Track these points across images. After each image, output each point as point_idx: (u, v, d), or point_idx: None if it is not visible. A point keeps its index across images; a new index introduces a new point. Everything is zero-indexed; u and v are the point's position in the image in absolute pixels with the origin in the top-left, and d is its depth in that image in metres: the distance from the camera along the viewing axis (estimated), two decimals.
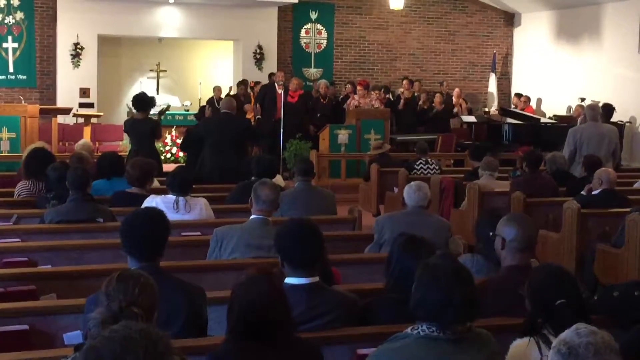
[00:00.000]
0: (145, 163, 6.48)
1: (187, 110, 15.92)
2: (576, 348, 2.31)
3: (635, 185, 8.61)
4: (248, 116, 13.64)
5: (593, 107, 9.41)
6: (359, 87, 14.54)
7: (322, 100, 14.92)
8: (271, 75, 14.99)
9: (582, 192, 7.41)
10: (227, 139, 8.54)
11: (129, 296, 2.72)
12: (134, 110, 9.35)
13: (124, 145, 13.14)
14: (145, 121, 9.02)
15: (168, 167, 9.90)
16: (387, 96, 15.46)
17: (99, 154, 8.78)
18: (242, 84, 15.07)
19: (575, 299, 3.06)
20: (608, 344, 2.33)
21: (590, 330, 2.36)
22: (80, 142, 8.65)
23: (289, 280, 3.49)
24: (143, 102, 9.09)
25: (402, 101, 15.33)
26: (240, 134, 8.74)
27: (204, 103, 15.19)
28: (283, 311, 2.91)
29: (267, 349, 2.83)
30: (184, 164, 11.61)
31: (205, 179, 7.91)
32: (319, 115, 14.50)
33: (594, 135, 8.84)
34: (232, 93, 14.91)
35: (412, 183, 5.68)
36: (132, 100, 9.27)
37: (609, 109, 11.04)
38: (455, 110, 15.75)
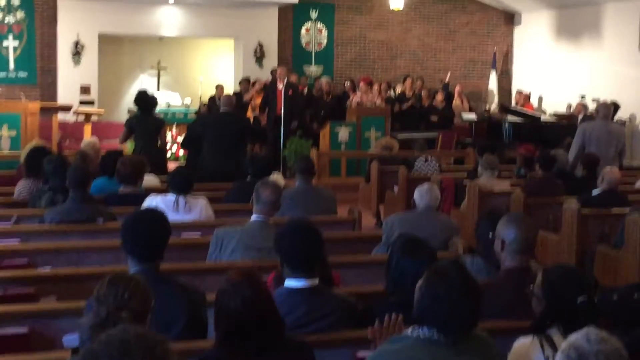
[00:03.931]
0: (135, 160, 6.47)
1: (188, 108, 15.92)
2: (586, 356, 2.28)
3: (636, 185, 8.59)
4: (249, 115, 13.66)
5: (606, 105, 9.31)
6: (361, 84, 14.51)
7: (325, 97, 14.90)
8: (273, 71, 14.98)
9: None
10: (226, 138, 8.50)
11: (117, 301, 2.71)
12: (138, 111, 9.25)
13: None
14: (151, 119, 8.99)
15: (170, 166, 9.89)
16: (388, 93, 15.44)
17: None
18: (246, 81, 15.06)
19: (591, 299, 3.06)
20: (619, 353, 2.31)
21: (601, 337, 2.32)
22: (87, 140, 8.61)
23: (289, 282, 3.50)
24: (146, 103, 9.02)
25: (409, 102, 15.21)
26: (239, 134, 8.71)
27: (204, 101, 15.20)
28: (270, 312, 2.91)
29: (258, 351, 2.84)
30: (184, 163, 11.59)
31: (204, 179, 7.88)
32: (322, 112, 14.50)
33: (603, 133, 8.80)
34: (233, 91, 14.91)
35: (424, 184, 5.79)
36: (135, 101, 9.16)
37: (615, 108, 11.01)
38: (456, 108, 15.67)
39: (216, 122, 8.89)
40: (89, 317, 2.65)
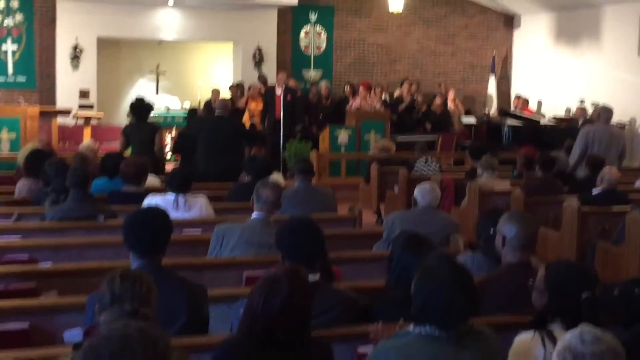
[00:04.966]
0: (139, 161, 6.51)
1: (187, 112, 15.92)
2: (581, 357, 2.27)
3: (636, 185, 8.62)
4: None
5: (607, 109, 9.46)
6: (361, 89, 14.52)
7: (323, 101, 14.91)
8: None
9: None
10: (220, 142, 8.52)
11: (137, 297, 2.70)
12: (132, 118, 9.29)
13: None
14: (146, 125, 9.02)
15: (168, 167, 9.90)
16: (384, 97, 15.45)
17: (100, 155, 8.77)
18: (235, 87, 15.19)
19: (594, 295, 3.05)
20: (614, 351, 2.30)
21: (595, 336, 2.31)
22: (84, 142, 8.69)
23: None
24: (140, 110, 9.07)
25: (403, 105, 15.26)
26: (233, 137, 8.72)
27: (202, 105, 15.22)
28: (304, 316, 2.83)
29: (280, 347, 2.79)
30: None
31: (199, 181, 7.87)
32: (321, 116, 14.52)
33: (605, 135, 8.94)
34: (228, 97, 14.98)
35: (425, 184, 5.81)
36: (130, 108, 9.22)
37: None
38: (451, 113, 15.64)
39: (211, 125, 8.91)
40: (112, 313, 2.62)
